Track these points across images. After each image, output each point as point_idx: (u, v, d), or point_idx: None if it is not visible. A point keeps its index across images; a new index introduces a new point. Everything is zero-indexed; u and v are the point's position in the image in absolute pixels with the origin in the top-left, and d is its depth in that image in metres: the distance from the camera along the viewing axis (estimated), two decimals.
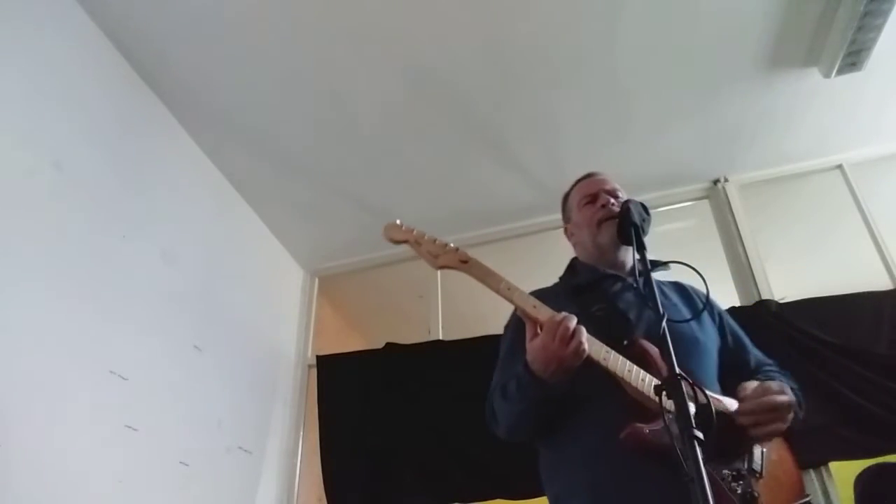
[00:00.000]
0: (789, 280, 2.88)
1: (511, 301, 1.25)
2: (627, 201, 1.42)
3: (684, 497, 0.82)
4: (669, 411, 0.95)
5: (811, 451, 2.23)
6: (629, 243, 1.28)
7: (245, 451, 2.65)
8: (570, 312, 1.26)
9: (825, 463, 2.28)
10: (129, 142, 2.30)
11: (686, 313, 1.40)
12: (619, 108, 2.67)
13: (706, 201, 3.13)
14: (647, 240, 1.33)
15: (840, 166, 2.96)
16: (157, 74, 2.39)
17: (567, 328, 1.16)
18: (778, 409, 1.19)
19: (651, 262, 1.43)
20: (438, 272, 3.24)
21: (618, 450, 1.14)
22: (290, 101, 2.55)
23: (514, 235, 3.27)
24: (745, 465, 1.17)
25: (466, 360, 2.79)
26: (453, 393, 2.74)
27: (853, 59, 2.37)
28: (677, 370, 0.97)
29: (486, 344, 2.77)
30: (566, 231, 1.68)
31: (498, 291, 1.26)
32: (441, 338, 3.06)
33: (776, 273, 2.81)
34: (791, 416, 1.21)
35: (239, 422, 2.64)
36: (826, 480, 2.26)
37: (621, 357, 1.21)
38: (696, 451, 0.83)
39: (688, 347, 1.32)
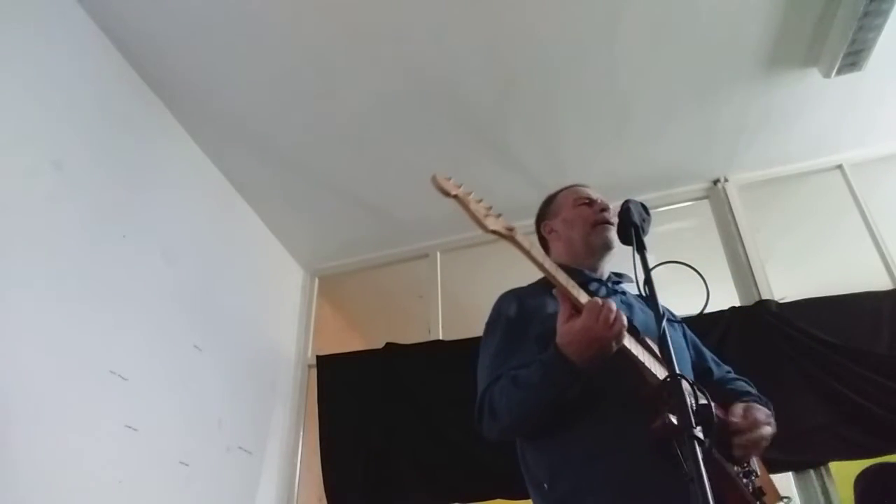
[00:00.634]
0: (789, 280, 2.88)
1: (553, 277, 1.20)
2: (627, 201, 1.42)
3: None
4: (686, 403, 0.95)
5: (811, 451, 2.23)
6: (629, 243, 1.27)
7: (245, 451, 2.65)
8: (556, 310, 1.26)
9: (825, 463, 2.28)
10: (129, 142, 2.30)
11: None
12: (619, 108, 2.67)
13: (706, 201, 3.13)
14: (647, 240, 1.33)
15: (840, 166, 2.96)
16: (157, 74, 2.39)
17: (611, 310, 1.14)
18: (762, 441, 1.22)
19: (619, 274, 1.49)
20: (439, 273, 3.27)
21: (632, 447, 1.12)
22: (291, 101, 2.55)
23: None
24: (748, 465, 1.21)
25: (466, 360, 2.78)
26: (453, 393, 2.73)
27: (853, 59, 2.37)
28: (677, 370, 0.97)
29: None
30: (545, 227, 1.68)
31: (543, 266, 1.21)
32: (441, 338, 3.06)
33: (776, 273, 2.81)
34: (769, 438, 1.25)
35: (239, 422, 2.64)
36: (826, 480, 2.26)
37: (644, 351, 1.21)
38: (695, 451, 0.83)
39: (679, 353, 1.32)
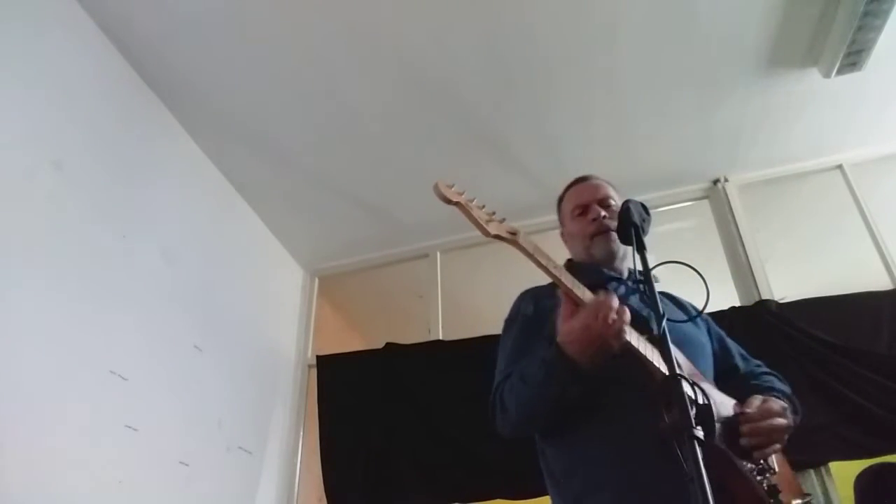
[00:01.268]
0: (789, 280, 2.88)
1: (557, 278, 1.21)
2: (627, 201, 1.41)
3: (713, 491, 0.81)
4: (695, 403, 0.94)
5: (811, 451, 2.23)
6: (629, 243, 1.27)
7: (245, 451, 2.65)
8: None
9: (825, 463, 2.28)
10: (129, 142, 2.30)
11: (682, 316, 1.41)
12: (619, 108, 2.67)
13: (706, 201, 3.13)
14: (647, 240, 1.33)
15: (840, 166, 2.96)
16: (157, 74, 2.39)
17: (611, 307, 1.13)
18: (775, 432, 1.19)
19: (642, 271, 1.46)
20: (438, 273, 3.27)
21: (646, 446, 1.11)
22: (291, 102, 2.55)
23: None
24: (764, 462, 1.19)
25: (466, 360, 2.79)
26: (453, 393, 2.74)
27: (853, 59, 2.37)
28: (677, 370, 0.97)
29: (486, 344, 2.77)
30: (561, 233, 1.69)
31: (546, 268, 1.22)
32: (441, 338, 3.06)
33: (776, 273, 2.81)
34: (787, 436, 1.23)
35: (239, 422, 2.64)
36: (826, 480, 2.26)
37: (656, 350, 1.19)
38: (695, 451, 0.83)
39: (696, 349, 1.33)
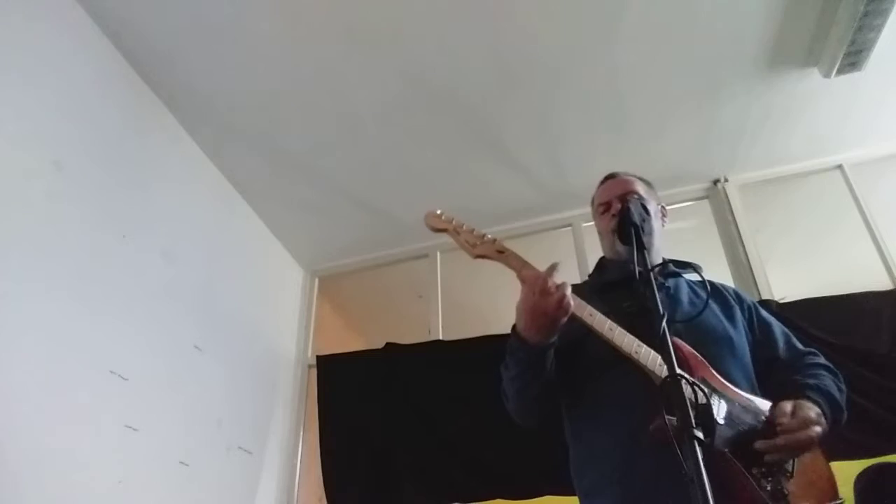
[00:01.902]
0: (789, 280, 2.88)
1: (522, 276, 1.26)
2: (627, 201, 1.42)
3: (713, 491, 0.81)
4: (694, 405, 0.94)
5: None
6: (629, 243, 1.27)
7: (245, 451, 2.65)
8: (600, 309, 1.27)
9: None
10: (130, 142, 2.30)
11: (718, 312, 1.40)
12: (619, 108, 2.67)
13: (706, 201, 3.13)
14: (647, 240, 1.33)
15: (840, 166, 2.96)
16: (157, 74, 2.39)
17: (545, 280, 1.18)
18: (808, 443, 1.18)
19: (683, 263, 1.47)
20: (438, 273, 3.27)
21: (645, 444, 1.13)
22: (290, 102, 2.55)
23: (514, 235, 3.27)
24: (778, 466, 1.17)
25: (466, 360, 2.79)
26: (453, 393, 2.74)
27: (853, 59, 2.37)
28: (677, 370, 0.97)
29: (486, 344, 2.77)
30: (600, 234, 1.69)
31: (520, 275, 1.27)
32: (441, 338, 3.06)
33: (776, 273, 2.81)
34: (817, 440, 1.20)
35: (239, 422, 2.64)
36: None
37: (652, 351, 1.21)
38: (695, 451, 0.83)
39: (720, 346, 1.32)
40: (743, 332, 1.41)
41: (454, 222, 1.39)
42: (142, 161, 2.36)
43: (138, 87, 2.39)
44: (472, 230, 1.38)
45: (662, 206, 1.65)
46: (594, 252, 1.81)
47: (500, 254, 1.33)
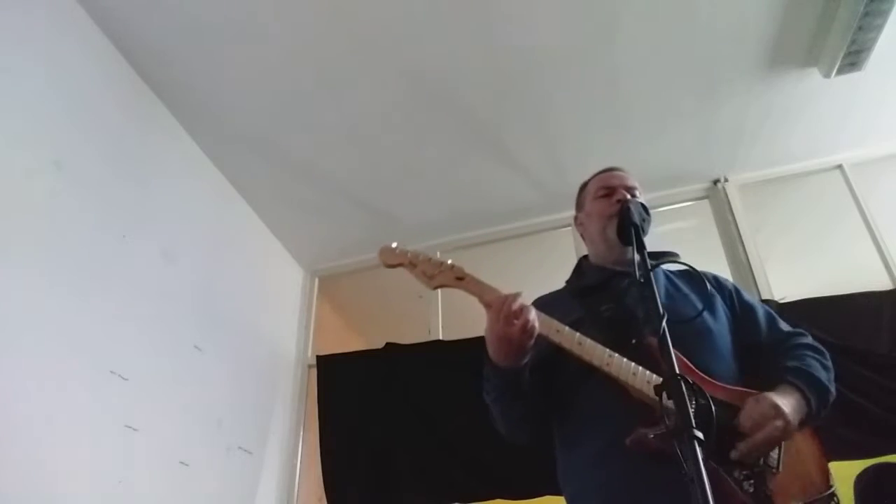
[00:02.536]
0: (789, 280, 2.88)
1: (484, 302, 1.28)
2: (627, 201, 1.42)
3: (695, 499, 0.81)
4: (670, 412, 0.93)
5: None
6: (629, 243, 1.27)
7: (245, 451, 2.65)
8: (578, 315, 1.26)
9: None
10: (130, 141, 2.30)
11: (697, 302, 1.37)
12: (619, 108, 2.67)
13: (706, 201, 3.13)
14: (647, 240, 1.33)
15: (840, 166, 2.96)
16: (157, 74, 2.39)
17: (510, 306, 1.17)
18: (772, 439, 1.14)
19: (659, 253, 1.42)
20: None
21: (626, 453, 1.14)
22: (291, 102, 2.55)
23: (514, 235, 3.27)
24: (761, 462, 1.15)
25: (466, 360, 2.77)
26: (453, 393, 2.74)
27: (853, 59, 2.37)
28: (677, 370, 0.97)
29: (486, 344, 2.77)
30: (576, 220, 1.66)
31: (481, 298, 1.29)
32: (441, 338, 3.06)
33: (776, 273, 2.81)
34: (794, 427, 1.16)
35: (239, 422, 2.64)
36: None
37: (625, 360, 1.20)
38: (696, 452, 0.83)
39: (700, 340, 1.30)
40: (724, 320, 1.38)
41: (409, 255, 1.40)
42: (142, 161, 2.36)
43: (139, 87, 2.39)
44: (430, 259, 1.38)
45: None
46: None
47: (460, 280, 1.33)
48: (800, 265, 3.32)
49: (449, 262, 1.37)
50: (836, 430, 2.25)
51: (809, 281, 2.82)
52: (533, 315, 1.19)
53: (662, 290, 1.41)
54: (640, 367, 1.19)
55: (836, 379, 2.28)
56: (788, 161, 3.01)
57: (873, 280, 2.64)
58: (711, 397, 1.18)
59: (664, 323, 1.02)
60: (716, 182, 3.09)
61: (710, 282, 1.46)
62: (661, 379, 1.16)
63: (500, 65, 2.44)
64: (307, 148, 2.79)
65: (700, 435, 0.85)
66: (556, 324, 1.24)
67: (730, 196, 3.03)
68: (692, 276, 1.46)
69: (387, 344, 3.03)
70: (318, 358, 3.16)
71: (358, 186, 3.03)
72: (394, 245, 1.42)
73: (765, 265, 2.82)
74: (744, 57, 2.46)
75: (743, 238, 2.90)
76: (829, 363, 1.35)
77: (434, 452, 2.70)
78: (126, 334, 2.05)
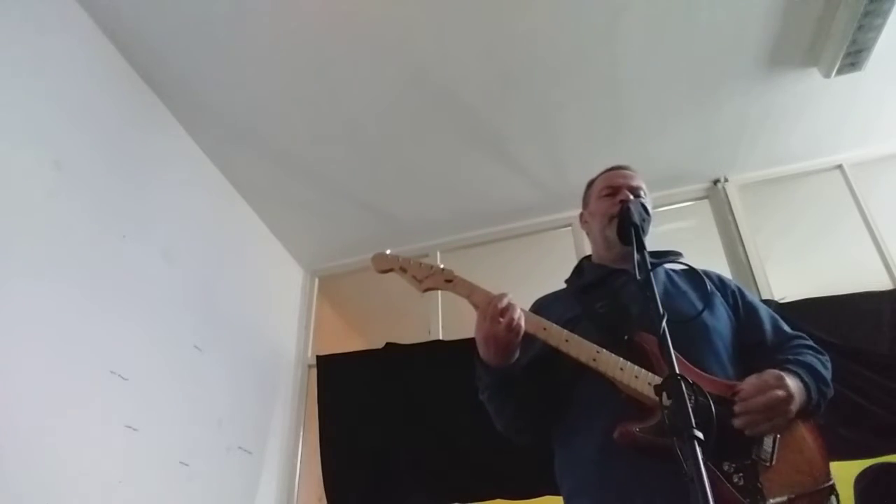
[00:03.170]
0: (789, 280, 2.88)
1: (472, 303, 1.32)
2: (627, 201, 1.42)
3: (688, 494, 0.81)
4: (667, 408, 0.93)
5: None
6: (629, 244, 1.27)
7: (245, 451, 2.65)
8: (575, 313, 1.26)
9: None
10: (130, 141, 2.30)
11: (696, 300, 1.37)
12: (619, 108, 2.67)
13: (706, 201, 3.13)
14: (647, 240, 1.33)
15: (840, 166, 2.96)
16: (157, 74, 2.39)
17: (495, 306, 1.21)
18: (773, 407, 1.14)
19: (661, 252, 1.43)
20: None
21: (618, 448, 1.15)
22: (291, 101, 2.55)
23: (514, 235, 3.27)
24: (752, 456, 1.14)
25: (466, 360, 2.77)
26: (453, 393, 2.73)
27: (853, 59, 2.37)
28: (677, 370, 0.97)
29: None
30: (581, 217, 1.67)
31: (469, 299, 1.32)
32: (441, 338, 3.06)
33: (776, 273, 2.81)
34: (795, 406, 1.17)
35: (239, 422, 2.64)
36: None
37: (613, 355, 1.21)
38: (696, 452, 0.83)
39: (697, 336, 1.29)
40: (724, 318, 1.38)
41: (401, 260, 1.44)
42: (142, 161, 2.36)
43: (138, 87, 2.39)
44: (420, 264, 1.43)
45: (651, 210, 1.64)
46: None
47: (449, 283, 1.37)
48: (800, 265, 3.32)
49: (440, 266, 1.41)
50: (836, 430, 2.25)
51: (809, 281, 2.82)
52: (518, 314, 1.22)
53: (661, 289, 1.40)
54: (629, 363, 1.20)
55: (836, 379, 2.28)
56: (788, 161, 3.01)
57: (873, 280, 2.64)
58: (709, 393, 1.18)
59: (664, 323, 1.03)
60: (716, 182, 3.09)
61: (712, 281, 1.47)
62: (649, 374, 1.18)
63: (499, 64, 2.44)
64: (307, 148, 2.79)
65: (700, 435, 0.85)
66: (543, 322, 1.26)
67: (730, 196, 3.03)
68: (693, 275, 1.46)
69: (387, 344, 3.03)
70: (318, 358, 3.16)
71: (358, 186, 3.03)
72: (388, 252, 1.47)
73: (765, 265, 2.82)
74: (744, 57, 2.46)
75: (743, 238, 2.90)
76: (829, 365, 1.35)
77: (434, 452, 2.70)
78: (126, 334, 2.05)
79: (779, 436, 1.18)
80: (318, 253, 3.47)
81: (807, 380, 1.24)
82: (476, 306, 1.28)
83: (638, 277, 1.15)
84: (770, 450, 1.16)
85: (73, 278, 1.89)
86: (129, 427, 1.97)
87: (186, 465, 2.22)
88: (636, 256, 1.19)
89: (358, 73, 2.44)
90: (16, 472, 1.56)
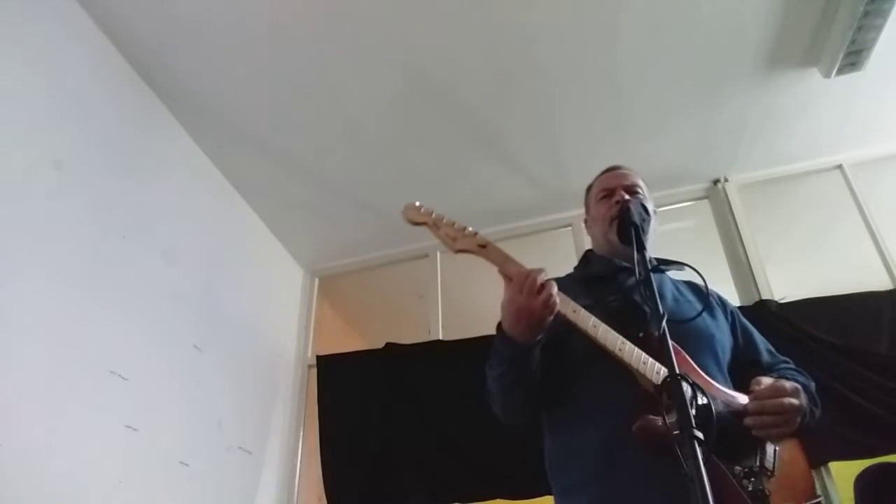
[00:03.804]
0: (789, 280, 2.88)
1: (506, 273, 1.26)
2: (627, 201, 1.42)
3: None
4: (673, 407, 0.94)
5: (811, 451, 2.22)
6: (629, 243, 1.27)
7: (245, 451, 2.65)
8: (585, 301, 1.26)
9: (825, 463, 2.28)
10: (130, 141, 2.30)
11: (699, 308, 1.38)
12: (619, 108, 2.67)
13: (706, 201, 3.13)
14: (649, 239, 1.33)
15: (840, 166, 2.96)
16: (157, 74, 2.39)
17: (534, 279, 1.17)
18: (786, 412, 1.17)
19: (664, 260, 1.44)
20: (439, 273, 3.27)
21: (629, 442, 1.13)
22: (290, 102, 2.55)
23: (514, 235, 3.27)
24: (757, 463, 1.16)
25: (466, 360, 2.78)
26: (453, 393, 2.74)
27: (853, 59, 2.37)
28: (677, 370, 0.97)
29: (486, 344, 2.74)
30: (585, 223, 1.68)
31: (507, 276, 1.26)
32: (441, 338, 3.06)
33: (776, 273, 2.81)
34: (800, 419, 1.20)
35: (239, 422, 2.64)
36: (826, 480, 2.26)
37: (636, 348, 1.20)
38: (696, 451, 0.83)
39: (702, 342, 1.32)
40: (725, 333, 1.42)
41: (434, 216, 1.37)
42: (142, 161, 2.36)
43: (138, 87, 2.39)
44: (453, 224, 1.35)
45: (654, 209, 1.65)
46: None
47: (482, 248, 1.31)
48: (800, 265, 3.32)
49: (470, 229, 1.34)
50: (836, 430, 2.25)
51: (809, 281, 2.82)
52: (556, 290, 1.18)
53: (669, 294, 1.44)
54: (651, 358, 1.19)
55: (836, 379, 2.29)
56: (789, 161, 3.01)
57: (873, 280, 2.64)
58: (713, 396, 1.19)
59: (664, 323, 1.03)
60: (716, 182, 3.10)
61: (713, 296, 1.50)
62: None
63: (500, 65, 2.44)
64: (307, 148, 2.79)
65: (700, 435, 0.85)
66: (573, 304, 1.23)
67: (730, 196, 3.03)
68: (695, 287, 1.49)
69: (387, 344, 3.03)
70: (318, 358, 3.16)
71: (358, 186, 3.03)
72: (417, 203, 1.39)
73: (765, 265, 2.82)
74: (744, 57, 2.46)
75: (743, 238, 2.90)
76: (814, 390, 1.37)
77: (434, 452, 2.70)
78: (126, 334, 2.05)
79: (777, 448, 1.21)
80: (318, 253, 3.47)
81: (812, 396, 1.28)
82: (508, 277, 1.23)
83: (638, 276, 1.15)
84: (773, 459, 1.19)
85: (73, 278, 1.89)
86: (129, 427, 1.97)
87: (186, 465, 2.22)
88: (636, 256, 1.19)
89: (358, 73, 2.44)
90: (16, 472, 1.56)
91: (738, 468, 1.14)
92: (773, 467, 1.18)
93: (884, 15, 2.20)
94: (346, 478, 2.76)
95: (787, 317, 2.54)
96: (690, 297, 1.47)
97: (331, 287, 3.67)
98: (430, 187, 3.05)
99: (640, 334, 1.22)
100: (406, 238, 3.35)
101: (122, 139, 2.26)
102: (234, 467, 2.57)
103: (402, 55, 2.39)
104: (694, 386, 0.96)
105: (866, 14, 2.17)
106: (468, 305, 3.36)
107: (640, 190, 1.53)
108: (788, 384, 1.22)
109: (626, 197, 1.47)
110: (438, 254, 3.33)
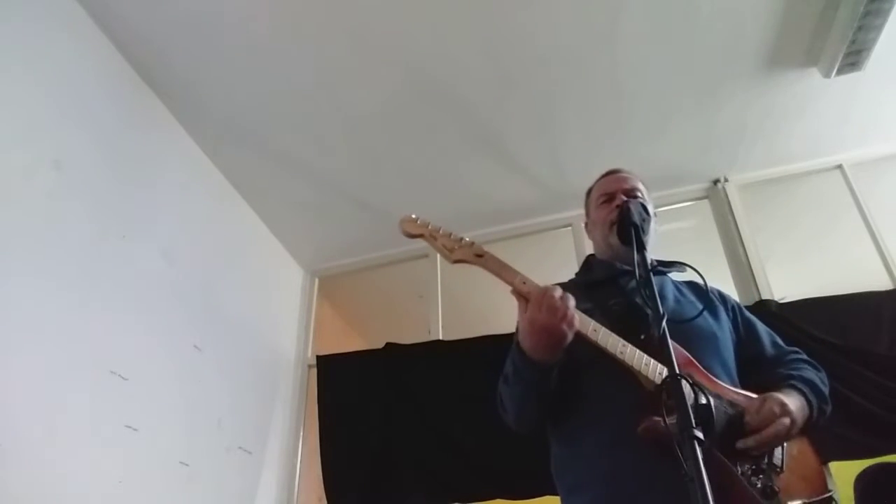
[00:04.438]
0: (789, 280, 2.88)
1: (522, 292, 1.24)
2: (627, 202, 1.42)
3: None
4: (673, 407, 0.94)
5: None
6: (629, 244, 1.27)
7: (245, 451, 2.65)
8: (587, 306, 1.26)
9: (825, 463, 2.28)
10: (129, 141, 2.30)
11: (700, 309, 1.39)
12: (619, 108, 2.67)
13: (706, 201, 3.13)
14: (650, 240, 1.33)
15: (840, 166, 2.96)
16: (157, 74, 2.39)
17: (553, 297, 1.15)
18: (780, 435, 1.17)
19: (664, 262, 1.45)
20: (438, 273, 3.27)
21: (633, 443, 1.13)
22: (290, 102, 2.55)
23: (514, 235, 3.27)
24: (766, 460, 1.17)
25: (466, 360, 2.79)
26: (453, 393, 2.74)
27: (853, 59, 2.37)
28: (678, 370, 0.97)
29: (486, 344, 2.77)
30: (586, 226, 1.68)
31: (513, 285, 1.25)
32: (441, 338, 3.06)
33: (776, 273, 2.81)
34: (796, 428, 1.20)
35: (239, 422, 2.64)
36: (826, 480, 2.26)
37: (638, 350, 1.20)
38: (695, 451, 0.83)
39: (705, 342, 1.32)
40: (727, 331, 1.41)
41: (430, 227, 1.36)
42: (142, 160, 2.36)
43: (138, 87, 2.39)
44: (450, 234, 1.35)
45: (654, 210, 1.65)
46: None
47: (479, 257, 1.31)
48: (800, 265, 3.32)
49: (467, 239, 1.34)
50: (835, 430, 2.25)
51: (809, 281, 2.82)
52: (573, 304, 1.16)
53: (671, 295, 1.44)
54: (652, 360, 1.19)
55: (836, 379, 2.28)
56: (788, 161, 3.01)
57: (873, 280, 2.64)
58: (718, 396, 1.19)
59: (664, 323, 1.03)
60: (716, 182, 3.10)
61: (714, 294, 1.50)
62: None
63: (500, 64, 2.44)
64: (307, 148, 2.79)
65: (700, 435, 0.85)
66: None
67: (730, 196, 3.03)
68: (696, 287, 1.49)
69: (387, 344, 3.03)
70: (318, 358, 3.16)
71: (358, 186, 3.03)
72: (414, 216, 1.38)
73: (765, 265, 2.82)
74: (744, 57, 2.46)
75: (743, 238, 2.90)
76: (827, 381, 1.38)
77: (434, 452, 2.70)
78: (126, 334, 2.05)
79: (785, 444, 1.21)
80: (318, 253, 3.47)
81: (810, 398, 1.28)
82: (523, 298, 1.21)
83: (638, 277, 1.15)
84: (780, 456, 1.20)
85: (73, 278, 1.88)
86: (129, 427, 1.97)
87: (186, 465, 2.22)
88: (636, 256, 1.19)
89: (358, 73, 2.44)
90: (16, 472, 1.56)
91: (746, 466, 1.14)
92: (782, 464, 1.18)
93: (884, 15, 2.20)
94: (346, 478, 2.76)
95: (786, 317, 2.54)
96: (692, 297, 1.47)
97: (331, 287, 3.67)
98: (430, 187, 3.05)
99: (642, 336, 1.23)
100: (406, 238, 3.34)
101: (122, 139, 2.26)
102: (234, 467, 2.57)
103: (402, 55, 2.39)
104: (695, 385, 0.96)
105: (866, 14, 2.17)
106: (468, 305, 3.37)
107: (639, 193, 1.54)
108: (776, 402, 1.20)
109: (625, 199, 1.47)
110: (438, 254, 3.32)
